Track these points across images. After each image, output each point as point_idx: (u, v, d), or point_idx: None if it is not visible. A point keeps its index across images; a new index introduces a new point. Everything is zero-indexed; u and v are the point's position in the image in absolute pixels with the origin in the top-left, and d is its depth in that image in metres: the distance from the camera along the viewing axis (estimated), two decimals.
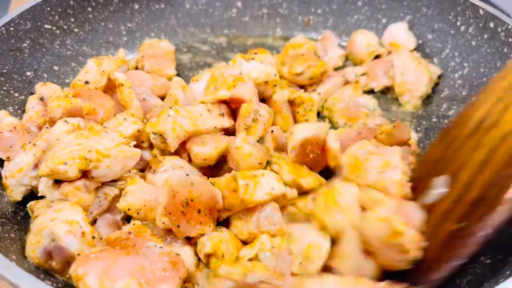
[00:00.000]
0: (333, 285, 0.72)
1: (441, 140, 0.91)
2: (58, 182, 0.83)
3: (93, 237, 0.80)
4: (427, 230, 0.79)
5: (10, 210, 0.92)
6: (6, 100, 1.08)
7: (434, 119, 1.23)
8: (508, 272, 0.75)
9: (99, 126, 0.89)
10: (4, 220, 0.88)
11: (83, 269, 0.69)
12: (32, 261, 0.79)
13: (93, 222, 0.87)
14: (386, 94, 1.31)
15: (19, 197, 0.92)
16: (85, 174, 0.82)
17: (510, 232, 0.89)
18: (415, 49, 1.38)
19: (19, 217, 0.91)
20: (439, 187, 0.80)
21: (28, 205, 0.90)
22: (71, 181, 0.82)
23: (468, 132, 0.82)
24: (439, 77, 1.30)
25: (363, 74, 1.32)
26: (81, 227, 0.79)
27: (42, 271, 0.80)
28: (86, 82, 1.08)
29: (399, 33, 1.38)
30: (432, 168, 0.87)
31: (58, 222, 0.78)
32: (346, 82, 1.32)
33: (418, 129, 1.21)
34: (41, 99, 1.09)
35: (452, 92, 1.27)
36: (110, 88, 1.08)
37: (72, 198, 0.82)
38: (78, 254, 0.77)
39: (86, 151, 0.81)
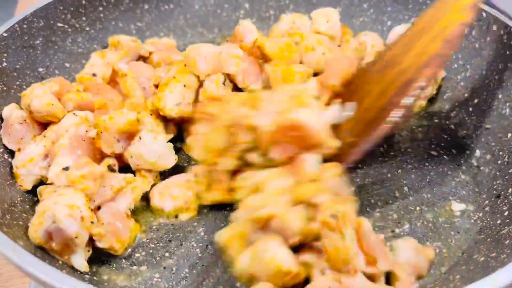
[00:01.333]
0: None
1: (358, 73, 1.09)
2: (66, 170, 0.88)
3: (92, 222, 0.84)
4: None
5: (19, 199, 0.95)
6: (19, 95, 1.12)
7: (436, 120, 1.25)
8: (499, 268, 0.76)
9: None
10: (13, 208, 0.92)
11: None
12: (34, 241, 0.83)
13: (97, 208, 0.90)
14: None
15: (29, 186, 0.97)
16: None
17: (503, 231, 0.91)
18: None
19: (27, 206, 0.95)
20: (348, 110, 1.00)
21: (38, 189, 0.94)
22: (78, 169, 0.88)
23: (378, 68, 1.03)
24: (442, 79, 1.32)
25: None
26: (81, 211, 0.83)
27: (46, 257, 0.83)
28: (94, 75, 1.12)
29: None
30: (347, 94, 1.05)
31: (59, 206, 0.82)
32: None
33: (420, 129, 1.22)
34: None
35: (454, 94, 1.28)
36: (113, 79, 1.13)
37: (78, 185, 0.86)
38: (76, 237, 0.81)
39: None
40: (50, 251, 0.84)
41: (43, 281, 0.67)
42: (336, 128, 0.97)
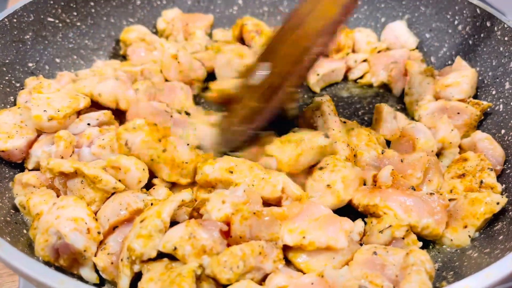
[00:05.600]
0: None
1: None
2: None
3: (99, 232, 0.80)
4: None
5: (7, 195, 0.94)
6: (8, 90, 1.11)
7: None
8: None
9: None
10: (0, 204, 0.90)
11: None
12: (43, 259, 0.80)
13: (112, 228, 0.84)
14: (384, 89, 1.34)
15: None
16: None
17: (496, 228, 0.90)
18: (417, 48, 1.39)
19: (14, 201, 0.94)
20: (263, 70, 0.97)
21: (17, 202, 0.91)
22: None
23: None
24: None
25: (364, 61, 1.36)
26: (86, 223, 0.79)
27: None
28: None
29: (400, 32, 1.39)
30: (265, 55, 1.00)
31: (63, 220, 0.78)
32: (348, 68, 1.37)
33: None
34: None
35: None
36: None
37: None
38: (85, 251, 0.78)
39: None
40: (61, 267, 0.81)
41: (29, 276, 0.66)
42: (249, 90, 0.99)
